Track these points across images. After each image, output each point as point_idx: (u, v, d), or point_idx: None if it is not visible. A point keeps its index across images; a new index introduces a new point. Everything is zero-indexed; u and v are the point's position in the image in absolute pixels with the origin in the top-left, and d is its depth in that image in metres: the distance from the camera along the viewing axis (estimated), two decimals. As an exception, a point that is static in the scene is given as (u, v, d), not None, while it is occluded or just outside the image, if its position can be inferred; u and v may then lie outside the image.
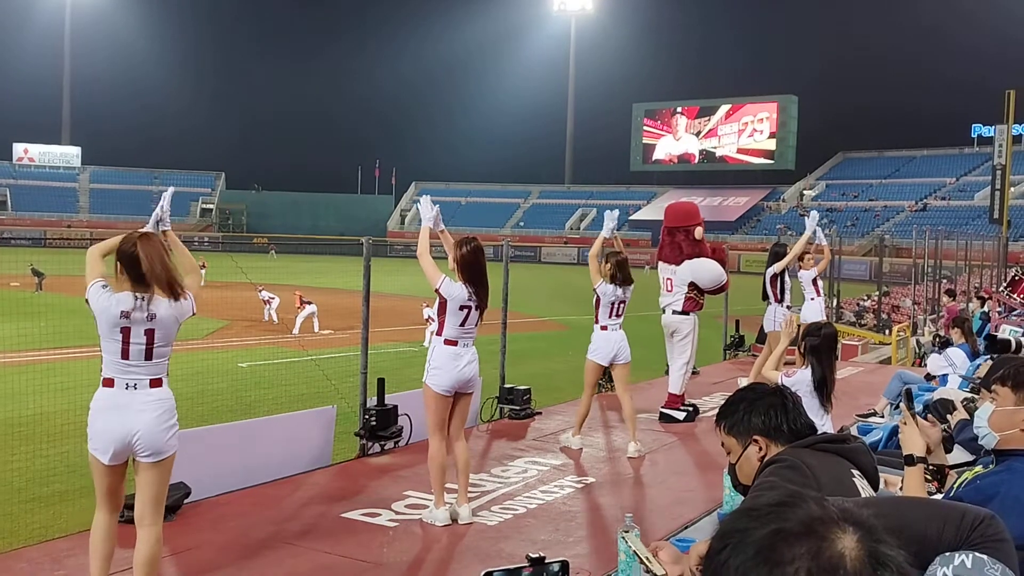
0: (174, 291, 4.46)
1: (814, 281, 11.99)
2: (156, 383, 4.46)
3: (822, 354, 5.68)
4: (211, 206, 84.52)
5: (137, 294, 4.41)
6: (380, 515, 6.14)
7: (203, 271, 33.57)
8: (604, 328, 8.22)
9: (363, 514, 6.17)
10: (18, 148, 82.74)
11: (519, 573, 2.19)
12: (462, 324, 6.02)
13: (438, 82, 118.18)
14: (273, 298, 21.76)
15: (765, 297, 11.05)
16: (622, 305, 8.29)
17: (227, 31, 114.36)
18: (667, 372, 10.29)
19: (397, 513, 6.19)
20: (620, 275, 8.20)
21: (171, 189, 5.32)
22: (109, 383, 4.40)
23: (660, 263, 10.13)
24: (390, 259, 31.65)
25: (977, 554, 1.91)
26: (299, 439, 7.39)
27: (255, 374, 14.58)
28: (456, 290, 6.00)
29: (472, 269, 6.07)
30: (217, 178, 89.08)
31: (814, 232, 11.33)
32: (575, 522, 6.32)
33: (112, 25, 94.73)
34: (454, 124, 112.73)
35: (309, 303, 21.56)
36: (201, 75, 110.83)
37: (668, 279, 9.92)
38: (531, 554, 2.24)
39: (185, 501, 6.11)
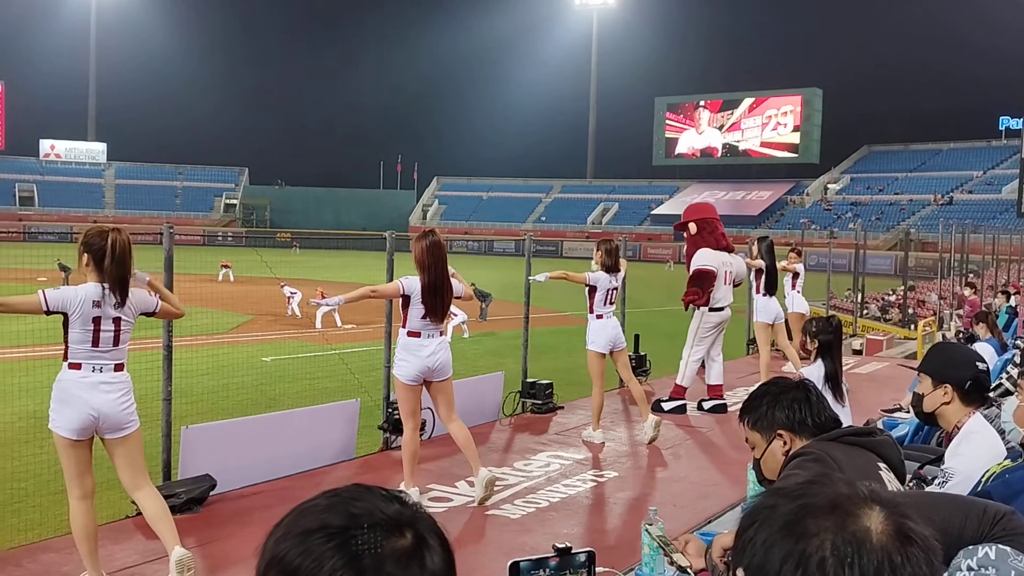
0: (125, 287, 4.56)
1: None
2: (119, 367, 4.65)
3: (833, 348, 5.74)
4: (235, 202, 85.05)
5: (104, 284, 4.53)
6: (403, 508, 6.15)
7: (227, 270, 33.24)
8: (600, 317, 8.26)
9: (386, 507, 6.18)
10: (44, 144, 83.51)
11: (545, 563, 2.18)
12: (423, 316, 6.17)
13: (460, 77, 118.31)
14: (295, 293, 21.85)
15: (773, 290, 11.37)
16: (614, 292, 8.40)
17: (250, 28, 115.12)
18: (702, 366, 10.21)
19: (420, 506, 6.20)
20: (611, 262, 8.25)
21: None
22: (76, 367, 4.55)
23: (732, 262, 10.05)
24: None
25: (1000, 546, 1.91)
26: (323, 432, 7.44)
27: (279, 368, 14.66)
28: (416, 284, 6.17)
29: (430, 262, 6.17)
30: (241, 174, 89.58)
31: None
32: (598, 515, 6.33)
33: (137, 22, 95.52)
34: (475, 119, 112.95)
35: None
36: (224, 72, 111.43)
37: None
38: (557, 544, 2.24)
39: (211, 493, 6.17)
